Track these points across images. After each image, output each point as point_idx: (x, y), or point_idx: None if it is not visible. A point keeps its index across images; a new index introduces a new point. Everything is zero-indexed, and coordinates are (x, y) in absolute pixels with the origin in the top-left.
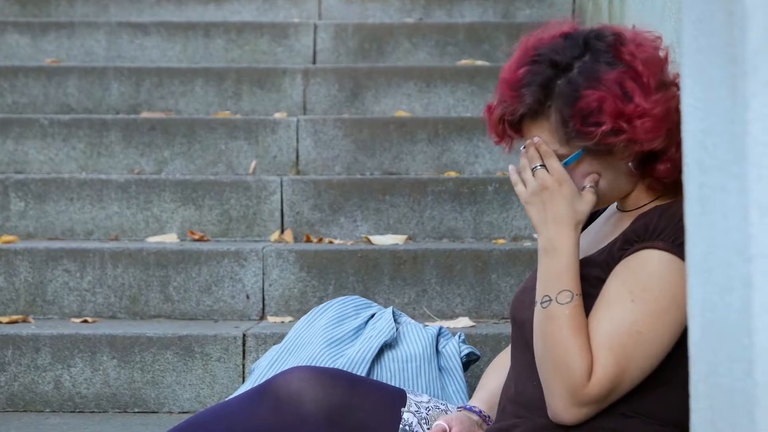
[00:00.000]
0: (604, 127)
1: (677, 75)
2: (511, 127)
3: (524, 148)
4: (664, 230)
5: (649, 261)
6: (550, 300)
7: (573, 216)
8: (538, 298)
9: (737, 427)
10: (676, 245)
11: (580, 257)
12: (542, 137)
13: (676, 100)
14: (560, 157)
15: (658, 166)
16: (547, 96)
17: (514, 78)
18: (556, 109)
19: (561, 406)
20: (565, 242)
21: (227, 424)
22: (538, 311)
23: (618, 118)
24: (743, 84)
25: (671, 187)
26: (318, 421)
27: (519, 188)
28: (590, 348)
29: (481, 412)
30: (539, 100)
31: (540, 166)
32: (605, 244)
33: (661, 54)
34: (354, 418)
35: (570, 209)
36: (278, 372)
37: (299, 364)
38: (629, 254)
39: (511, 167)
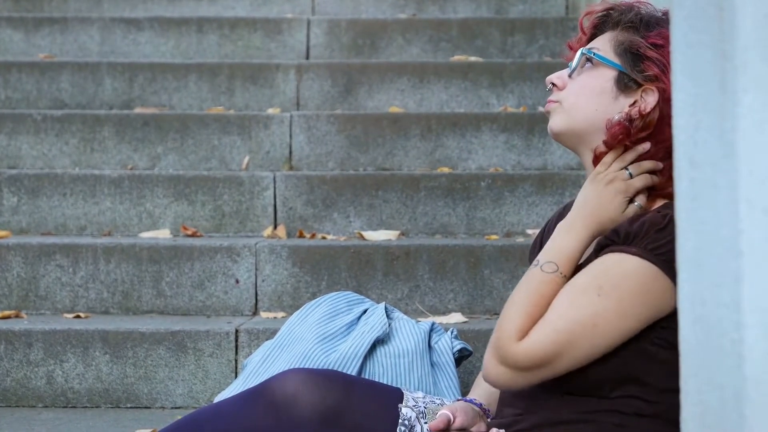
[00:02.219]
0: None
1: None
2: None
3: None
4: (636, 236)
5: (624, 263)
6: (537, 263)
7: (600, 224)
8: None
9: (727, 422)
10: (648, 251)
11: None
12: (598, 43)
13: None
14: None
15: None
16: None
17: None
18: (625, 31)
19: (488, 357)
20: (584, 231)
21: (222, 425)
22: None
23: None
24: (734, 79)
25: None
26: (314, 423)
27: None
28: (533, 317)
29: (481, 404)
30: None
31: (629, 173)
32: (585, 256)
33: None
34: (350, 420)
35: (607, 218)
36: (271, 367)
37: (292, 360)
38: (604, 254)
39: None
